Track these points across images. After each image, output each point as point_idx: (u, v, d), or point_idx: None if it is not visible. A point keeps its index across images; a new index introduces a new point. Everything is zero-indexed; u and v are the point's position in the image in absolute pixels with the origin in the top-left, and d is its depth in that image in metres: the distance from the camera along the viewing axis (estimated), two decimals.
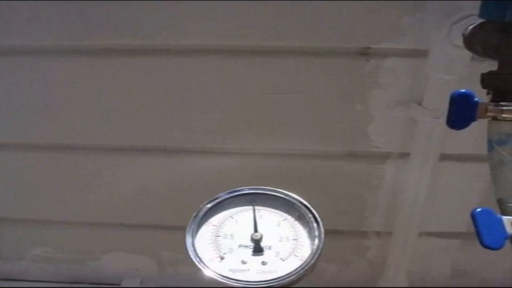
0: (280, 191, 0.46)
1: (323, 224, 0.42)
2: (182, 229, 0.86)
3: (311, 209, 0.44)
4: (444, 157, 0.76)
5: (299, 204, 0.45)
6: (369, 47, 0.68)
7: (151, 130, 0.79)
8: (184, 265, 0.94)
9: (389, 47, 0.67)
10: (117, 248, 0.94)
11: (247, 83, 0.72)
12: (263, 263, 0.41)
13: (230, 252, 0.42)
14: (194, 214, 0.45)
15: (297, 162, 0.80)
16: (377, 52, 0.68)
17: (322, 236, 0.42)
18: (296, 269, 0.40)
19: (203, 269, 0.40)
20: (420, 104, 0.70)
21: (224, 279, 0.40)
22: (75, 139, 0.81)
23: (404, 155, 0.77)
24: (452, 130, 0.44)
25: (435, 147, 0.75)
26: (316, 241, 0.42)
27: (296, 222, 0.44)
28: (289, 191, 0.47)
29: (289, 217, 0.44)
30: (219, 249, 0.42)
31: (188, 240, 0.43)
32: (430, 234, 0.87)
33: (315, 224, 0.43)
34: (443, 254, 0.91)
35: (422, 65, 0.67)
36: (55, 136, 0.82)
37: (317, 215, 0.43)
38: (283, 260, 0.41)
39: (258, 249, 0.42)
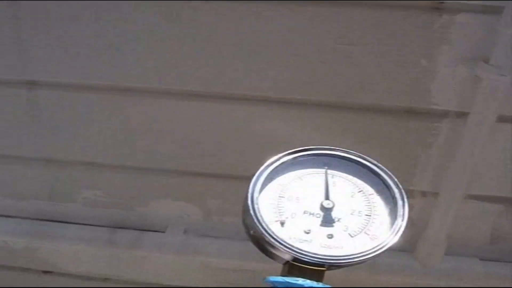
0: (363, 157, 0.40)
1: (408, 203, 0.36)
2: (231, 178, 0.89)
3: (398, 184, 0.38)
4: (501, 119, 0.78)
5: (384, 176, 0.38)
6: (443, 2, 0.69)
7: (213, 75, 0.80)
8: (229, 215, 0.96)
9: (464, 2, 0.68)
10: (165, 194, 0.96)
11: (315, 32, 0.74)
12: (329, 236, 0.36)
13: (293, 218, 0.36)
14: (260, 169, 0.38)
15: (353, 115, 0.82)
16: (450, 7, 0.69)
17: (406, 216, 0.36)
18: (369, 250, 0.35)
19: (264, 233, 0.35)
20: (487, 62, 0.71)
21: (283, 246, 0.34)
22: (133, 81, 0.82)
23: (462, 115, 0.79)
24: None
25: (494, 107, 0.76)
26: (399, 221, 0.36)
27: (375, 195, 0.38)
28: (371, 158, 0.40)
29: (369, 188, 0.38)
30: (280, 213, 0.37)
31: (253, 196, 0.36)
32: (475, 197, 0.89)
33: (400, 202, 0.37)
34: (485, 219, 0.92)
35: (495, 21, 0.68)
36: (113, 77, 0.83)
37: (403, 192, 0.37)
38: (351, 236, 0.36)
39: (328, 220, 0.36)
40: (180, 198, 0.96)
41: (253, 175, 0.37)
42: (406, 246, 0.95)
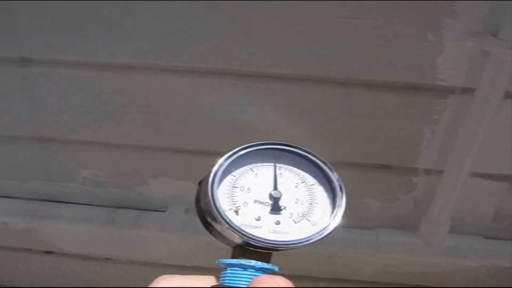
0: (307, 151, 0.42)
1: (347, 195, 0.39)
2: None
3: (337, 176, 0.41)
4: (509, 95, 0.76)
5: (325, 169, 0.41)
6: None
7: (213, 51, 0.78)
8: None
9: None
10: (166, 173, 0.95)
11: (315, 5, 0.71)
12: (277, 222, 0.39)
13: (245, 206, 0.40)
14: (217, 164, 0.41)
15: (357, 91, 0.80)
16: None
17: (343, 206, 0.39)
18: (310, 236, 0.38)
19: (221, 220, 0.38)
20: (495, 35, 0.69)
21: (238, 232, 0.37)
22: (131, 58, 0.80)
23: (469, 91, 0.77)
24: None
25: (502, 83, 0.74)
26: (337, 210, 0.39)
27: (316, 186, 0.41)
28: (313, 151, 0.43)
29: (311, 179, 0.42)
30: (233, 202, 0.40)
31: (213, 187, 0.39)
32: (480, 175, 0.88)
33: (339, 192, 0.40)
34: (489, 197, 0.91)
35: None
36: (108, 54, 0.81)
37: (342, 184, 0.40)
38: (295, 222, 0.39)
39: (276, 208, 0.40)
40: (181, 177, 0.95)
41: (212, 166, 0.40)
42: (409, 224, 0.94)
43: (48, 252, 1.06)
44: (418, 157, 0.86)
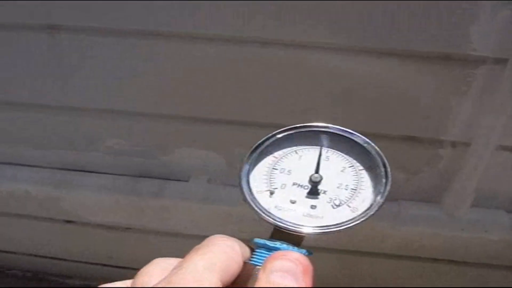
0: (357, 135, 0.41)
1: (392, 182, 0.37)
2: (256, 126, 0.88)
3: (386, 162, 0.39)
4: None
5: (374, 154, 0.40)
6: None
7: (236, 19, 0.77)
8: None
9: None
10: (189, 143, 0.95)
11: None
12: (313, 206, 0.38)
13: (282, 188, 0.39)
14: (256, 143, 0.41)
15: (385, 60, 0.79)
16: None
17: (386, 194, 0.37)
18: (345, 221, 0.37)
19: (250, 201, 0.38)
20: None
21: (266, 215, 0.37)
22: (155, 24, 0.80)
23: (501, 61, 0.76)
24: None
25: None
26: (379, 197, 0.37)
27: (363, 171, 0.40)
28: (367, 138, 0.41)
29: (357, 164, 0.40)
30: (271, 183, 0.39)
31: (245, 169, 0.40)
32: (507, 148, 0.87)
33: (384, 180, 0.38)
34: None
35: None
36: (139, 21, 0.80)
37: (389, 171, 0.38)
38: (333, 207, 0.38)
39: (313, 192, 0.39)
40: (204, 146, 0.95)
41: (251, 147, 0.40)
42: (432, 197, 0.94)
43: (69, 221, 1.07)
44: (445, 128, 0.85)
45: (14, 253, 1.18)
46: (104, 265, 1.14)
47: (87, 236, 1.08)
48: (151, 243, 1.05)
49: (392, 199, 0.95)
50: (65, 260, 1.15)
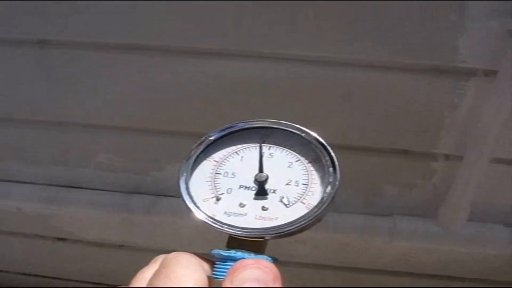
0: (296, 127, 0.39)
1: (341, 170, 0.36)
2: None
3: (330, 150, 0.37)
4: None
5: (316, 144, 0.38)
6: None
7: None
8: None
9: None
10: (181, 158, 0.94)
11: None
12: (264, 208, 0.36)
13: (229, 193, 0.37)
14: (194, 147, 0.39)
15: (376, 73, 0.79)
16: None
17: (337, 183, 0.35)
18: (299, 218, 0.34)
19: (194, 211, 0.36)
20: None
21: (215, 223, 0.35)
22: (146, 38, 0.80)
23: (491, 73, 0.75)
24: None
25: None
26: (329, 188, 0.35)
27: (310, 164, 0.37)
28: (305, 127, 0.39)
29: (303, 158, 0.38)
30: (216, 189, 0.37)
31: (182, 176, 0.38)
32: (500, 161, 0.86)
33: (331, 169, 0.36)
34: (510, 184, 0.90)
35: None
36: (127, 35, 0.81)
37: (335, 159, 0.36)
38: (287, 206, 0.35)
39: (261, 192, 0.36)
40: None
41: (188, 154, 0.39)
42: (428, 211, 0.93)
43: (61, 239, 1.06)
44: (437, 142, 0.85)
45: (7, 271, 1.16)
46: (95, 283, 1.12)
47: (79, 254, 1.07)
48: (142, 261, 1.03)
49: (387, 213, 0.94)
50: (56, 278, 1.13)
